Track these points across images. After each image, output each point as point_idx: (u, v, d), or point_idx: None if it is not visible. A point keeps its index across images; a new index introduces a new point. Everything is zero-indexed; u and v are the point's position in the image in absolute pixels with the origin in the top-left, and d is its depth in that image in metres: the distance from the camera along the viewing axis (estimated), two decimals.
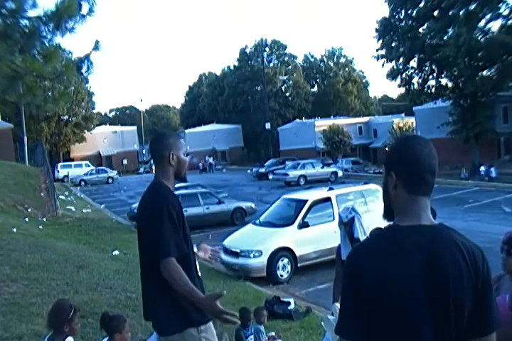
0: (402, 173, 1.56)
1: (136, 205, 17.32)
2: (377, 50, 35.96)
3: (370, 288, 1.42)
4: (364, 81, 70.64)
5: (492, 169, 27.96)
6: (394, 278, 1.41)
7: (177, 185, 16.99)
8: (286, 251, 9.80)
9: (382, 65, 36.18)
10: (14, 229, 11.35)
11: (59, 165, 41.86)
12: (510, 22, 28.88)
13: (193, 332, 2.45)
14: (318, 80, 69.55)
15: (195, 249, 2.77)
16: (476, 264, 1.45)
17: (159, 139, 2.74)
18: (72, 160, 49.69)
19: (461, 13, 29.13)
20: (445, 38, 31.24)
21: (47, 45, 5.19)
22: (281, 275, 9.70)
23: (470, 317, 1.44)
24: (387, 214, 1.64)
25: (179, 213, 2.51)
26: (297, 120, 55.80)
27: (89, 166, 42.11)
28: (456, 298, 1.41)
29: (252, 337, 5.08)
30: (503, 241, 3.06)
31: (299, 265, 9.90)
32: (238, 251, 9.84)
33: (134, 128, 61.43)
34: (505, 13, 28.89)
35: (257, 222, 11.33)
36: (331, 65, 68.14)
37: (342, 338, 1.48)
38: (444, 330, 1.42)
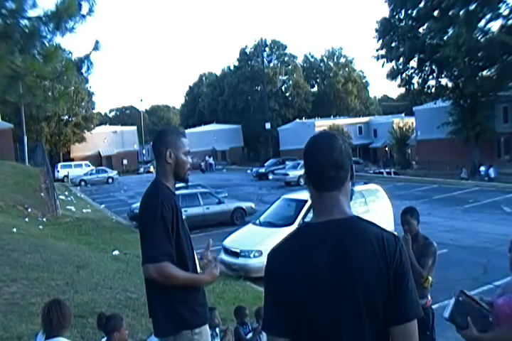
0: (306, 172, 1.60)
1: (136, 205, 17.33)
2: (377, 50, 36.01)
3: (281, 285, 1.48)
4: (364, 81, 70.60)
5: (491, 169, 27.96)
6: (302, 274, 1.46)
7: (177, 185, 16.91)
8: None
9: (382, 65, 36.23)
10: (14, 229, 11.35)
11: (59, 165, 41.80)
12: (510, 22, 28.91)
13: (188, 335, 2.45)
14: (318, 80, 69.53)
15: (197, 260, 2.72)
16: (386, 253, 1.46)
17: (160, 135, 2.67)
18: (72, 160, 49.66)
19: (461, 13, 29.15)
20: (445, 38, 31.24)
21: (47, 45, 5.18)
22: None
23: (387, 305, 1.45)
24: None
25: (174, 214, 2.46)
26: (297, 120, 55.77)
27: (89, 166, 42.06)
28: (365, 286, 1.43)
29: (250, 334, 5.08)
30: (511, 241, 3.05)
31: None
32: (238, 251, 9.83)
33: (134, 128, 61.42)
34: (505, 13, 28.96)
35: (257, 222, 11.32)
36: (331, 65, 68.11)
37: (267, 334, 1.54)
38: (357, 319, 1.44)
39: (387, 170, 34.17)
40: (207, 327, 2.60)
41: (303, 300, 1.46)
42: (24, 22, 4.87)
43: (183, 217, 2.60)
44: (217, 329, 4.75)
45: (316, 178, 1.57)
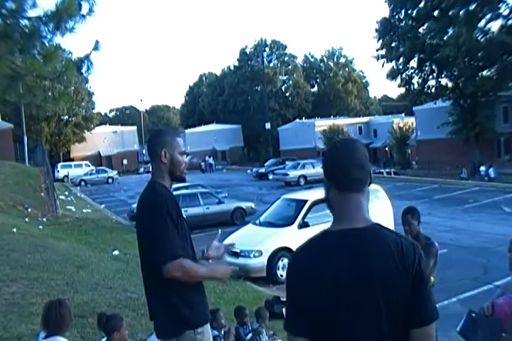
0: (330, 174, 1.63)
1: (136, 205, 17.30)
2: (377, 50, 35.99)
3: (302, 287, 1.54)
4: (364, 81, 70.61)
5: (491, 169, 27.94)
6: (322, 277, 1.52)
7: (177, 185, 16.95)
8: (286, 251, 9.79)
9: (382, 65, 36.21)
10: (14, 229, 11.34)
11: (59, 165, 41.82)
12: (510, 22, 28.90)
13: (191, 335, 2.44)
14: (318, 80, 69.54)
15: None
16: (405, 261, 1.51)
17: (155, 135, 2.68)
18: (72, 160, 49.66)
19: (461, 13, 29.14)
20: (445, 38, 31.23)
21: (47, 45, 5.18)
22: (281, 275, 9.69)
23: (406, 309, 1.51)
24: None
25: (178, 213, 2.47)
26: (297, 120, 55.79)
27: (89, 166, 42.07)
28: (384, 292, 1.49)
29: (250, 334, 5.08)
30: (511, 241, 3.05)
31: None
32: (238, 251, 9.83)
33: (134, 128, 61.41)
34: (505, 13, 28.95)
35: (257, 222, 11.32)
36: (331, 65, 68.12)
37: (289, 333, 1.60)
38: (376, 322, 1.50)
39: (387, 170, 34.17)
40: (208, 326, 2.59)
41: (322, 303, 1.51)
42: (24, 22, 4.87)
43: (184, 216, 2.61)
44: (223, 331, 4.74)
45: (340, 178, 1.60)
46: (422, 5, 32.48)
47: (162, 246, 2.37)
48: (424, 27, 33.37)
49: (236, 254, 9.83)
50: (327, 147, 1.74)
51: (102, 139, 56.08)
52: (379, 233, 1.56)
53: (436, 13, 32.03)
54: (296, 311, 1.56)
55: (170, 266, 2.33)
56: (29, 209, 15.95)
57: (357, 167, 1.59)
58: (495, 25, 33.36)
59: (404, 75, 35.69)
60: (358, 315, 1.50)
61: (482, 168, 29.18)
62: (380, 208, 11.01)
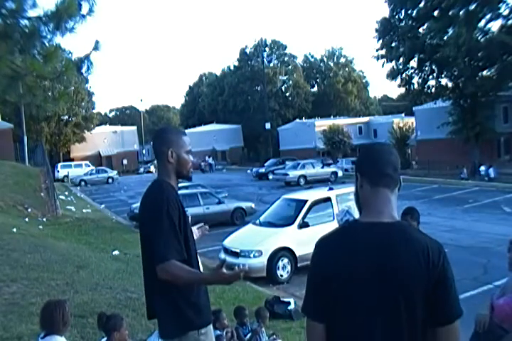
0: (364, 170, 1.72)
1: (136, 205, 17.31)
2: (377, 50, 35.93)
3: (324, 279, 1.59)
4: (364, 81, 70.63)
5: (491, 169, 27.93)
6: (345, 266, 1.56)
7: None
8: (286, 251, 9.80)
9: (382, 65, 36.15)
10: (14, 229, 11.35)
11: (59, 165, 41.83)
12: (510, 22, 28.87)
13: (194, 335, 2.43)
14: (318, 80, 69.56)
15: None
16: (429, 259, 1.54)
17: (160, 134, 2.63)
18: (72, 160, 49.69)
19: (461, 13, 29.10)
20: (445, 38, 31.19)
21: (47, 45, 5.18)
22: (281, 275, 9.70)
23: (429, 308, 1.54)
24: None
25: (180, 213, 2.44)
26: (297, 120, 55.81)
27: (89, 166, 42.08)
28: (403, 286, 1.52)
29: (250, 334, 5.07)
30: (510, 241, 3.06)
31: (299, 265, 9.89)
32: (238, 251, 9.83)
33: (134, 128, 61.42)
34: (505, 13, 28.89)
35: (257, 222, 11.32)
36: (331, 64, 68.15)
37: (306, 316, 1.67)
38: (394, 319, 1.53)
39: None
40: (211, 326, 2.59)
41: (340, 290, 1.56)
42: (24, 22, 4.87)
43: (188, 215, 2.60)
44: (225, 331, 4.73)
45: (375, 174, 1.69)
46: (422, 5, 32.42)
47: (156, 247, 2.35)
48: (424, 27, 33.31)
49: (236, 254, 9.84)
50: (363, 147, 1.87)
51: (102, 139, 56.11)
52: (405, 230, 1.61)
53: (436, 13, 31.98)
54: (314, 296, 1.61)
55: (159, 268, 2.31)
56: (29, 209, 15.96)
57: (390, 165, 1.70)
58: (495, 25, 33.40)
59: (404, 75, 35.65)
60: (375, 307, 1.53)
61: (482, 168, 29.15)
62: None
